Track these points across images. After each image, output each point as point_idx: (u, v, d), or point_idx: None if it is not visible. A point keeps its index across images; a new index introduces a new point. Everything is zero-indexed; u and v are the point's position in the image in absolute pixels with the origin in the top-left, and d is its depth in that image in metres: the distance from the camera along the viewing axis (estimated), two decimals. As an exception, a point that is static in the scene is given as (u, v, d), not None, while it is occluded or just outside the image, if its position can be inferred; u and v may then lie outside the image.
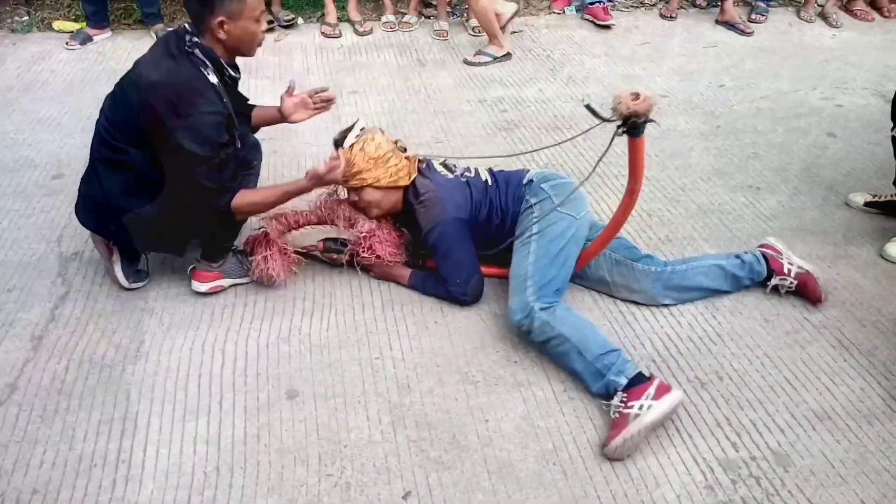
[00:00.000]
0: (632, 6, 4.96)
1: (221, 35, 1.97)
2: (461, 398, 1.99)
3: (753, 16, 4.79)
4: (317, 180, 2.11)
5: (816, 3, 4.95)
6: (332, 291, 2.38)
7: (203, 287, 2.30)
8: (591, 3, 4.66)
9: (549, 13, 4.82)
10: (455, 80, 3.86)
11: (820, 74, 4.08)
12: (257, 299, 2.34)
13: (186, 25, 2.01)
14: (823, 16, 4.86)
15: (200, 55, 1.97)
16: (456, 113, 3.53)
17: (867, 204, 2.84)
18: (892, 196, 2.79)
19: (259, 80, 3.77)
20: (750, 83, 3.94)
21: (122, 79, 2.06)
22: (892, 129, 2.62)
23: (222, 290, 2.34)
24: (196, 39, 1.97)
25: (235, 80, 2.14)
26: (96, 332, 2.19)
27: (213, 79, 1.99)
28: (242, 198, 2.09)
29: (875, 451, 1.86)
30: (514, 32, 4.42)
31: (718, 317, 2.30)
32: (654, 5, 4.97)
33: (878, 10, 4.99)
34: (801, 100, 3.78)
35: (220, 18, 1.94)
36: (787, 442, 1.88)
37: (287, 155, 3.13)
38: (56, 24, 4.26)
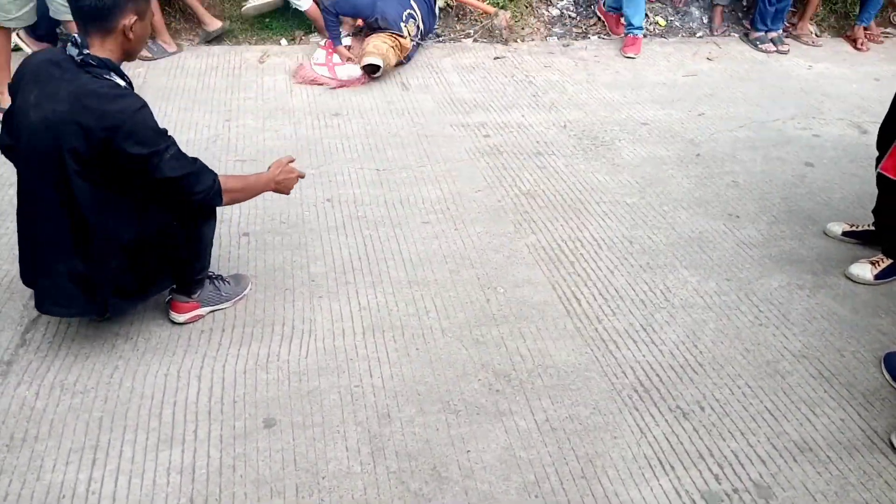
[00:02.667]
0: (612, 35, 5.02)
1: (130, 35, 1.89)
2: (442, 428, 1.96)
3: (761, 45, 4.93)
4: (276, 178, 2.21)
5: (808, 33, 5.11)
6: (311, 317, 2.34)
7: (181, 318, 2.26)
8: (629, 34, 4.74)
9: (531, 40, 4.87)
10: (438, 104, 3.87)
11: (797, 104, 4.15)
12: (235, 324, 2.30)
13: (73, 38, 1.84)
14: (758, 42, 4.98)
15: (95, 64, 1.84)
16: (439, 137, 3.53)
17: (845, 233, 2.88)
18: (869, 226, 2.83)
19: (241, 101, 3.75)
20: (729, 112, 4.00)
21: (21, 135, 1.88)
22: (878, 158, 2.66)
23: (201, 318, 2.29)
24: (86, 51, 1.84)
25: (131, 86, 1.99)
26: (69, 356, 2.14)
27: (120, 82, 1.90)
28: (226, 181, 2.03)
29: (856, 483, 1.86)
30: (497, 58, 4.46)
31: (700, 346, 2.31)
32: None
33: (853, 41, 5.11)
34: (779, 129, 3.84)
35: (132, 18, 1.86)
36: (768, 473, 1.88)
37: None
38: None
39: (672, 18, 5.20)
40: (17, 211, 2.04)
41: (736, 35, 5.14)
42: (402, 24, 4.09)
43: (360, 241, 2.73)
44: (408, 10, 4.16)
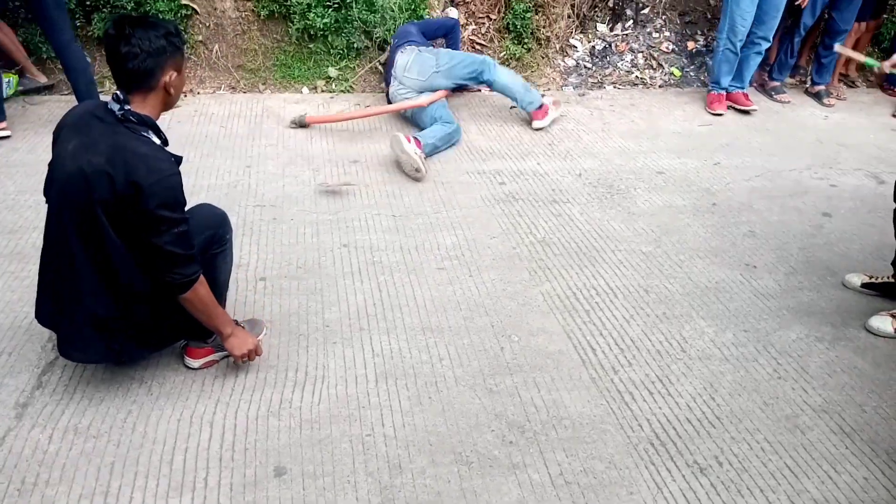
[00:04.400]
0: (627, 84, 5.10)
1: (171, 90, 1.95)
2: (454, 480, 1.93)
3: (777, 95, 4.99)
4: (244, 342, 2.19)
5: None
6: (325, 363, 2.34)
7: (196, 363, 2.27)
8: (732, 89, 4.78)
9: (547, 90, 4.94)
10: (454, 152, 3.92)
11: (813, 154, 4.16)
12: (249, 369, 2.30)
13: (116, 95, 1.91)
14: (817, 95, 5.00)
15: (135, 121, 1.90)
16: (455, 184, 3.57)
17: (864, 285, 2.84)
18: (888, 277, 2.80)
19: (262, 148, 3.83)
20: (745, 162, 4.01)
21: (54, 182, 1.93)
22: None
23: (215, 363, 2.30)
24: (128, 107, 1.90)
25: (167, 143, 2.05)
26: (84, 400, 2.15)
27: (156, 140, 1.95)
28: (202, 284, 2.03)
29: (881, 546, 1.80)
30: (513, 108, 4.53)
31: (717, 399, 2.27)
32: (648, 84, 5.11)
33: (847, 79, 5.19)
34: (795, 179, 3.84)
35: (172, 74, 1.93)
36: (789, 534, 1.82)
37: (286, 222, 3.14)
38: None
39: (688, 69, 5.27)
40: (41, 255, 2.08)
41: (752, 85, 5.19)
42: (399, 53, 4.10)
43: (375, 286, 2.74)
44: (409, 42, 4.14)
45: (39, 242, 2.90)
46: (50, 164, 1.98)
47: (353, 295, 2.68)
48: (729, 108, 4.77)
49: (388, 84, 4.22)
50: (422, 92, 4.04)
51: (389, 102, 4.22)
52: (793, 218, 3.43)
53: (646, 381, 2.33)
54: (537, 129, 4.24)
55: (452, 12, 5.01)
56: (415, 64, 4.04)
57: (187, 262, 1.97)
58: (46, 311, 2.12)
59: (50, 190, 1.98)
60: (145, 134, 1.92)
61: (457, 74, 4.02)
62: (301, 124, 3.59)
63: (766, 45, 4.62)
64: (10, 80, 4.17)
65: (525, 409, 2.19)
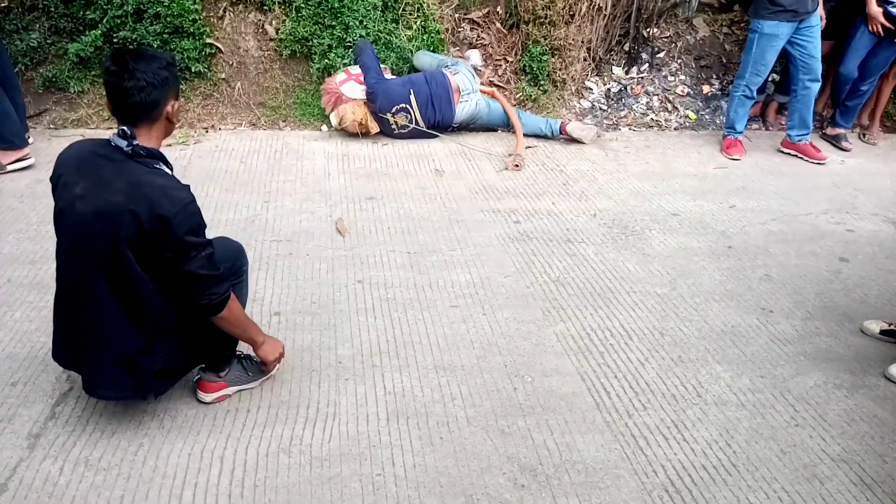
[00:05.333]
0: (642, 126, 5.14)
1: (173, 119, 1.98)
2: (464, 523, 1.90)
3: (844, 143, 4.95)
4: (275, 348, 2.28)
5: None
6: (336, 400, 2.34)
7: (209, 398, 2.27)
8: (798, 140, 4.75)
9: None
10: (470, 191, 3.95)
11: (830, 199, 4.15)
12: (261, 405, 2.30)
13: (122, 131, 1.89)
14: (835, 139, 5.00)
15: (145, 154, 1.91)
16: (470, 222, 3.59)
17: (883, 332, 2.80)
18: (908, 325, 2.77)
19: (281, 184, 3.88)
20: (760, 205, 4.00)
21: (68, 227, 1.93)
22: None
23: (228, 398, 2.30)
24: (135, 142, 1.90)
25: (172, 169, 2.06)
26: (96, 432, 2.15)
27: (167, 170, 1.98)
28: (234, 300, 2.07)
29: None
30: (529, 147, 4.57)
31: (733, 445, 2.23)
32: (663, 126, 5.15)
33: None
34: (812, 223, 3.82)
35: (174, 103, 1.97)
36: (809, 589, 1.77)
37: (302, 257, 3.17)
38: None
39: (703, 112, 5.31)
40: (56, 299, 2.08)
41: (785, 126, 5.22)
42: (389, 115, 4.45)
43: (388, 323, 2.74)
44: (403, 104, 4.43)
45: (59, 273, 2.94)
46: (58, 211, 1.95)
47: (367, 331, 2.69)
48: (794, 157, 4.73)
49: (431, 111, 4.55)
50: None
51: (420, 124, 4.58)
52: (809, 262, 3.41)
53: (661, 426, 2.30)
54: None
55: (474, 55, 5.10)
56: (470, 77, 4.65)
57: (219, 281, 1.99)
58: (65, 352, 2.12)
59: (62, 235, 1.97)
60: (157, 166, 1.94)
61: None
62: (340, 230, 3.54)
63: (818, 85, 4.59)
64: None
65: (538, 451, 2.16)
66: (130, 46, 4.39)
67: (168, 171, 1.98)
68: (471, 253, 3.29)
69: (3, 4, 4.39)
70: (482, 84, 4.82)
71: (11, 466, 2.01)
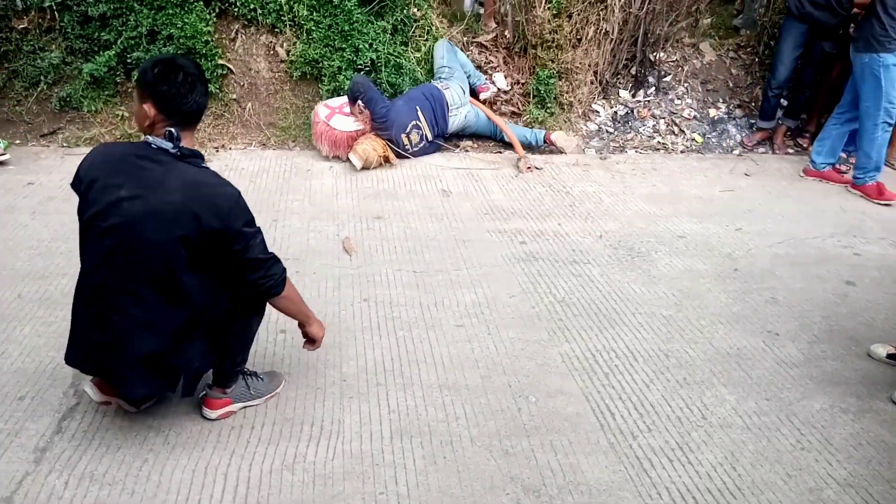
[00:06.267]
0: (649, 149, 5.16)
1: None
2: (467, 543, 1.90)
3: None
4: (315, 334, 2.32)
5: None
6: (340, 418, 2.34)
7: (214, 414, 2.28)
8: (823, 167, 4.76)
9: (569, 153, 5.02)
10: (476, 211, 3.98)
11: (836, 223, 4.15)
12: (265, 422, 2.30)
13: (169, 132, 1.93)
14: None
15: (190, 154, 1.97)
16: (476, 242, 3.61)
17: (890, 356, 2.79)
18: (915, 350, 2.75)
19: (289, 203, 3.92)
20: (767, 228, 4.01)
21: (110, 228, 1.92)
22: None
23: (232, 414, 2.31)
24: (181, 144, 1.95)
25: None
26: (101, 447, 2.16)
27: (212, 169, 2.05)
28: (289, 283, 2.15)
29: None
30: (538, 169, 4.60)
31: (739, 468, 2.22)
32: (669, 149, 5.18)
33: None
34: (818, 247, 3.82)
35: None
36: None
37: (309, 275, 3.19)
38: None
39: (710, 136, 5.33)
40: (78, 304, 2.06)
41: (792, 151, 5.26)
42: (403, 136, 4.52)
43: (393, 342, 2.75)
44: (414, 122, 4.56)
45: (69, 288, 2.97)
46: (96, 213, 1.93)
47: (372, 350, 2.70)
48: (816, 182, 4.75)
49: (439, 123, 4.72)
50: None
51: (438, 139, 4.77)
52: (816, 286, 3.40)
53: (665, 448, 2.29)
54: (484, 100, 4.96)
55: (499, 79, 5.18)
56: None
57: (276, 262, 2.08)
58: (83, 357, 2.09)
59: (102, 237, 1.94)
60: (203, 165, 2.02)
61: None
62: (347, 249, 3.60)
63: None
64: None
65: (541, 472, 2.16)
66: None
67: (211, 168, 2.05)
68: (477, 273, 3.30)
69: (21, 25, 4.49)
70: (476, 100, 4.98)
71: (17, 480, 2.02)
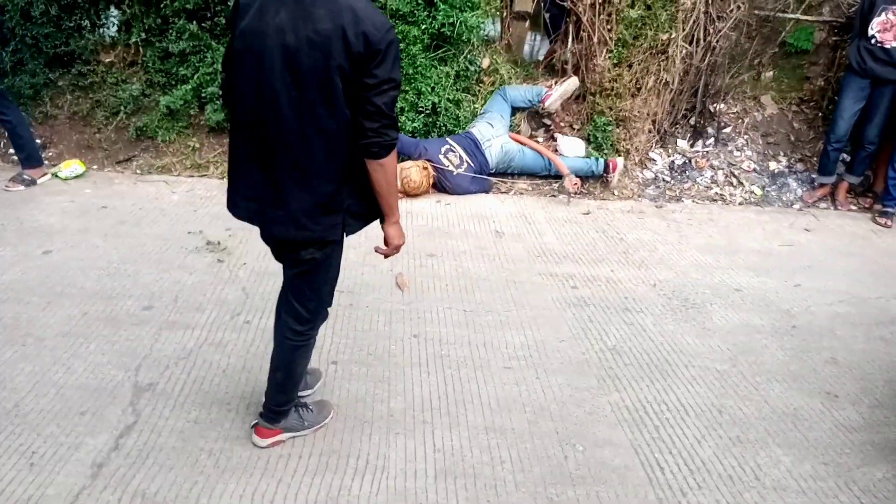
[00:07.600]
0: (706, 199, 5.11)
1: None
2: (508, 590, 1.87)
3: (880, 218, 4.89)
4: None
5: None
6: (386, 453, 2.35)
7: (263, 443, 2.33)
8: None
9: (624, 199, 5.01)
10: (528, 253, 3.99)
11: (902, 283, 4.01)
12: (313, 452, 2.34)
13: None
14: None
15: None
16: (527, 284, 3.61)
17: (959, 427, 2.66)
18: None
19: (347, 237, 4.00)
20: (827, 285, 3.90)
21: (269, 59, 1.85)
22: None
23: (282, 443, 2.36)
24: None
25: None
26: (154, 466, 2.23)
27: None
28: (394, 160, 2.02)
29: None
30: (586, 213, 4.60)
31: (793, 535, 2.13)
32: (727, 200, 5.11)
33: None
34: (882, 307, 3.69)
35: None
36: None
37: (362, 308, 3.24)
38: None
39: (769, 189, 5.25)
40: (238, 144, 2.02)
41: (855, 209, 5.15)
42: (441, 157, 4.76)
43: (441, 379, 2.76)
44: (446, 146, 4.79)
45: (134, 310, 3.11)
46: (248, 44, 1.88)
47: (419, 386, 2.71)
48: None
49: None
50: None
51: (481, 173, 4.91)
52: (878, 348, 3.28)
53: (715, 508, 2.22)
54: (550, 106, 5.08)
55: (570, 82, 5.15)
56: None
57: (395, 125, 1.95)
58: (241, 202, 2.07)
59: (261, 57, 1.86)
60: None
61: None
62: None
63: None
64: (75, 166, 4.62)
65: (586, 523, 2.12)
66: (216, 101, 4.69)
67: None
68: (526, 315, 3.31)
69: (107, 59, 4.78)
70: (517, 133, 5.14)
71: (75, 493, 2.09)
